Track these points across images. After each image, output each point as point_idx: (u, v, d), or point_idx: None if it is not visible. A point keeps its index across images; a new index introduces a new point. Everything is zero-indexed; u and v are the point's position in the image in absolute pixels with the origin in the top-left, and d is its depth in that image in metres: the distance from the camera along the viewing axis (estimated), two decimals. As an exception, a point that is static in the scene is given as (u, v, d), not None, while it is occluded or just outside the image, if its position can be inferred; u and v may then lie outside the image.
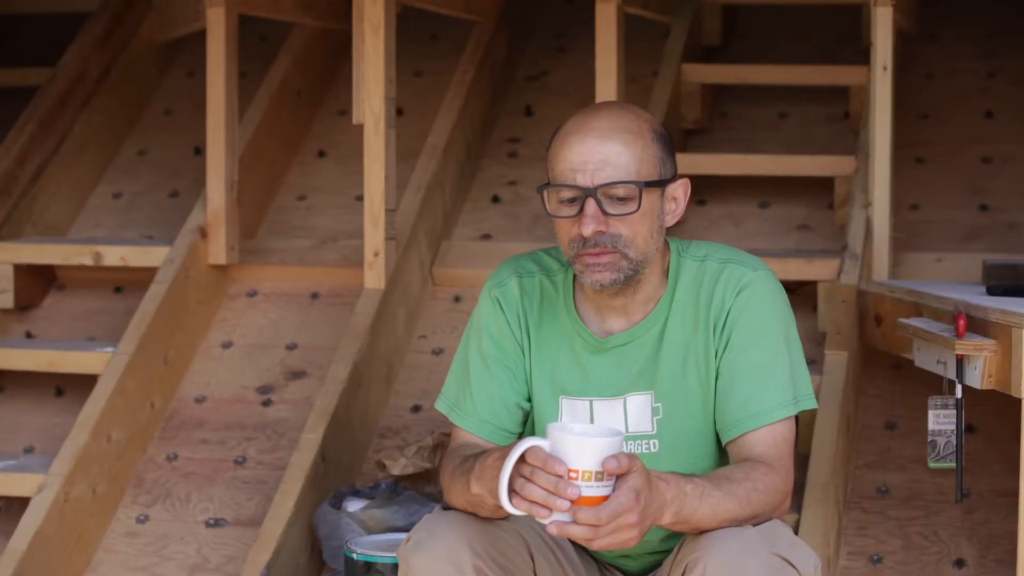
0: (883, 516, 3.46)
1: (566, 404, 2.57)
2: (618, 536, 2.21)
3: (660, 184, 2.47)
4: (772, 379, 2.48)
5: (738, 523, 2.36)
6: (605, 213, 2.43)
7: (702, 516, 2.33)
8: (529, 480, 2.22)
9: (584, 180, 2.43)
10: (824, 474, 3.30)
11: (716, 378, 2.51)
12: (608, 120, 2.46)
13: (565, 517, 2.22)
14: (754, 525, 2.39)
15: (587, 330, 2.56)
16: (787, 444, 2.48)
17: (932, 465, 3.11)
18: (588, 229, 2.42)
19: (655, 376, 2.53)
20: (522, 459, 2.24)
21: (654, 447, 2.54)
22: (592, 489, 2.21)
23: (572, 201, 2.45)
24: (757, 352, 2.49)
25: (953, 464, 3.05)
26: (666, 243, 2.57)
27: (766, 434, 2.47)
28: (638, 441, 2.54)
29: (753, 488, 2.38)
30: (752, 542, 2.33)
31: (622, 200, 2.43)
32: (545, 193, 2.49)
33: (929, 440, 3.09)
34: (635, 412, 2.54)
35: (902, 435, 3.63)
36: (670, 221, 2.52)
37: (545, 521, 2.23)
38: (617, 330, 2.55)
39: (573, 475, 2.21)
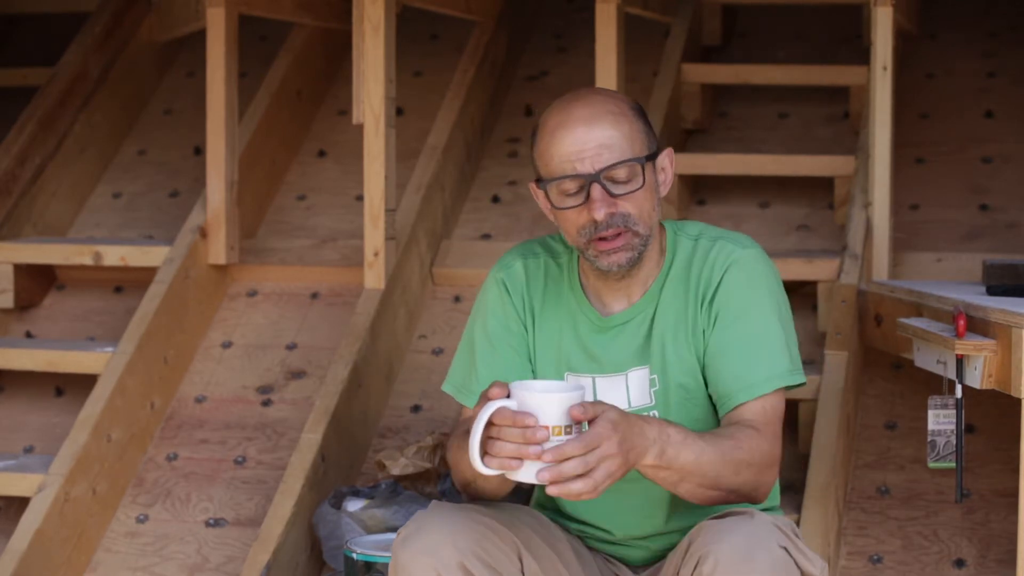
0: (883, 516, 3.46)
1: (571, 380, 2.61)
2: (605, 467, 2.23)
3: (652, 158, 2.54)
4: (761, 353, 2.52)
5: (722, 478, 2.39)
6: (611, 195, 2.49)
7: (685, 461, 2.35)
8: (498, 438, 2.26)
9: (584, 167, 2.49)
10: (824, 474, 3.30)
11: (706, 352, 2.55)
12: (590, 106, 2.52)
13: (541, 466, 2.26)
14: (739, 489, 2.41)
15: (592, 309, 2.62)
16: (776, 414, 2.52)
17: (932, 465, 3.10)
18: (601, 213, 2.48)
19: (651, 351, 2.58)
20: (492, 422, 2.28)
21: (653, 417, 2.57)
22: (561, 442, 2.26)
23: (576, 192, 2.51)
24: (747, 325, 2.53)
25: (953, 464, 3.05)
26: (660, 224, 2.64)
27: (756, 405, 2.51)
28: (640, 413, 2.56)
29: (737, 446, 2.42)
30: (762, 533, 2.34)
31: (623, 181, 2.50)
32: (546, 189, 2.53)
33: (929, 440, 3.09)
34: (636, 387, 2.59)
35: (902, 435, 3.63)
36: (663, 191, 2.59)
37: (517, 476, 2.27)
38: (618, 309, 2.61)
39: (542, 431, 2.26)
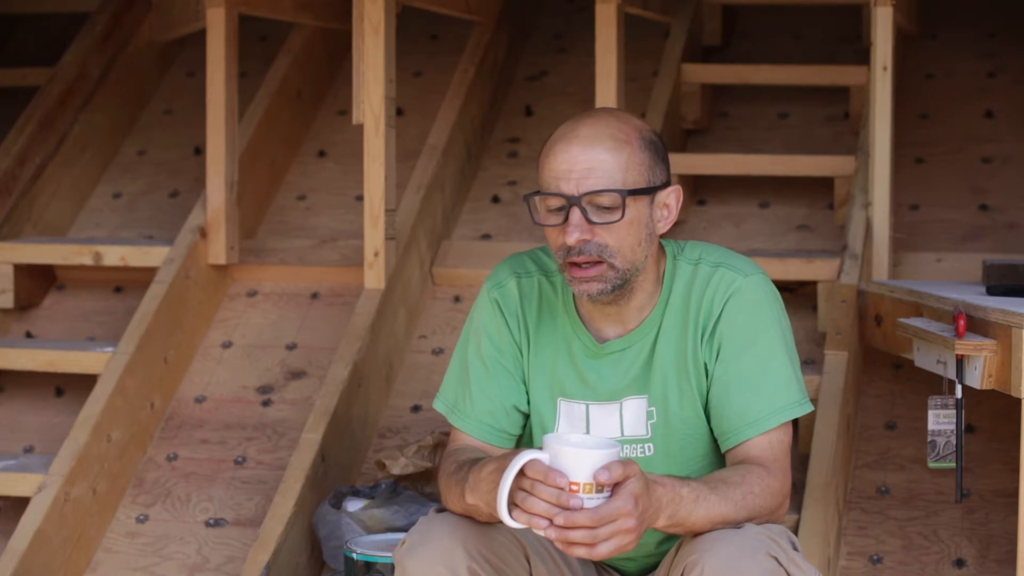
0: (883, 516, 3.46)
1: (564, 407, 2.58)
2: (616, 541, 2.22)
3: (648, 192, 2.46)
4: (766, 386, 2.48)
5: (733, 525, 2.37)
6: (590, 222, 2.42)
7: (696, 519, 2.34)
8: (530, 493, 2.22)
9: (569, 188, 2.42)
10: (824, 474, 3.30)
11: (709, 386, 2.52)
12: (594, 127, 2.44)
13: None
14: (752, 524, 2.40)
15: (587, 334, 2.56)
16: (783, 447, 2.49)
17: (932, 465, 3.11)
18: (572, 238, 2.41)
19: (649, 381, 2.53)
20: (521, 472, 2.24)
21: (649, 451, 2.55)
22: (594, 501, 2.22)
23: (559, 210, 2.45)
24: (749, 360, 2.49)
25: (953, 464, 3.05)
26: (661, 247, 2.56)
27: (762, 440, 2.48)
28: (633, 445, 2.55)
29: (749, 491, 2.39)
30: (751, 544, 2.33)
31: (606, 209, 2.42)
32: (533, 201, 2.48)
33: (929, 440, 3.09)
34: (630, 417, 2.55)
35: (902, 435, 3.63)
36: (662, 228, 2.50)
37: (541, 532, 2.23)
38: (613, 336, 2.55)
39: (574, 487, 2.22)
